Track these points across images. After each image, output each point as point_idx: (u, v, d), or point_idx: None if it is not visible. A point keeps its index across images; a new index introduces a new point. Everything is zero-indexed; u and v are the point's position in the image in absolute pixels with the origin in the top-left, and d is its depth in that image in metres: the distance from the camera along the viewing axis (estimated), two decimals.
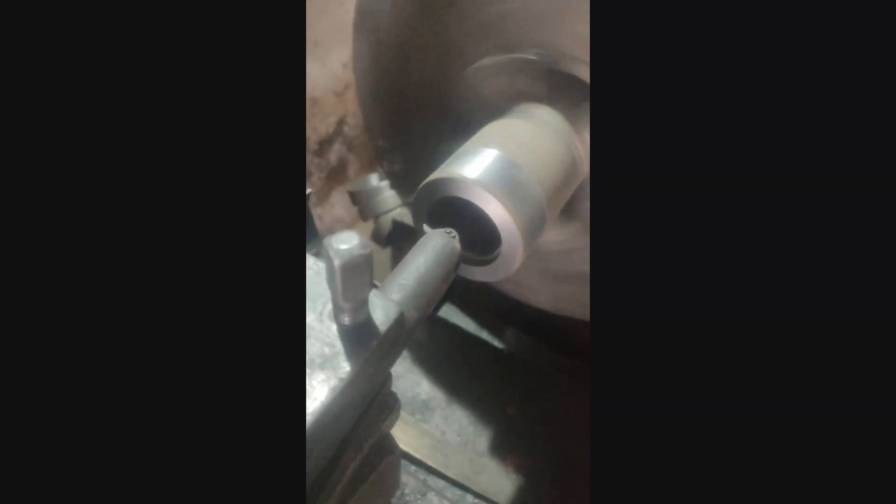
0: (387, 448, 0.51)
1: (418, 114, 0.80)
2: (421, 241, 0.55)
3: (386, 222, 1.28)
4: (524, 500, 0.86)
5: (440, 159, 0.72)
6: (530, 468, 0.89)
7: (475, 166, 0.55)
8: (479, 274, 0.58)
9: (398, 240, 1.25)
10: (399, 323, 0.41)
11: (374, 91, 0.82)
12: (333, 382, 0.36)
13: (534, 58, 0.64)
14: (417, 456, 0.89)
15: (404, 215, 1.20)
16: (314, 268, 0.42)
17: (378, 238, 1.31)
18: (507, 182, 0.55)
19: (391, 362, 0.44)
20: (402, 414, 0.96)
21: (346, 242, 0.35)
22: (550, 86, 0.63)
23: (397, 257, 1.25)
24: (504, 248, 0.55)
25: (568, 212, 0.67)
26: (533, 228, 0.56)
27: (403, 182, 1.03)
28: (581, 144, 0.64)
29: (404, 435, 0.91)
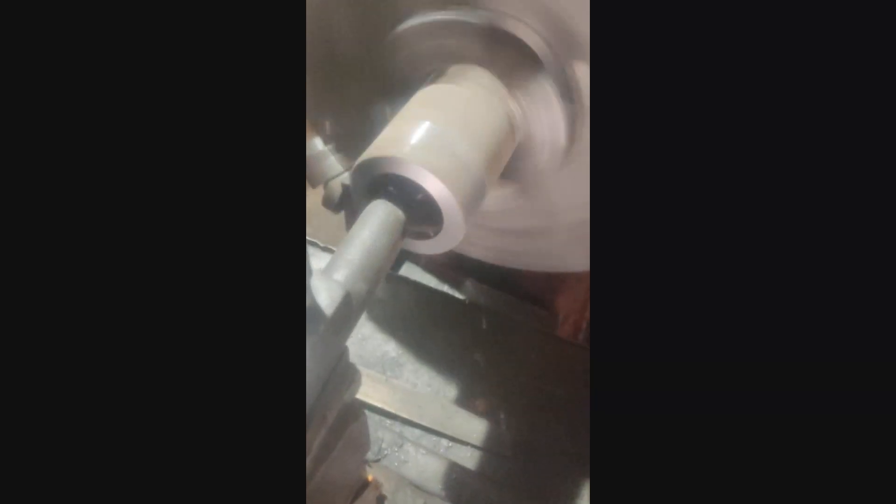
0: (351, 415, 0.53)
1: (349, 77, 0.78)
2: (364, 213, 0.55)
3: (336, 187, 1.27)
4: (493, 438, 0.91)
5: (378, 120, 0.71)
6: (497, 408, 0.94)
7: (409, 141, 0.55)
8: (423, 247, 0.59)
9: (350, 203, 1.24)
10: (345, 303, 0.42)
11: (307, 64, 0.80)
12: None
13: (468, 18, 0.63)
14: (391, 410, 0.93)
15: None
16: None
17: (329, 204, 1.30)
18: (443, 155, 0.55)
19: (344, 339, 0.46)
20: (373, 372, 0.99)
21: None
22: (485, 46, 0.62)
23: (351, 220, 1.25)
24: (446, 222, 0.56)
25: (505, 174, 0.67)
26: (473, 199, 0.57)
27: (347, 144, 1.02)
28: (517, 107, 0.64)
29: (377, 392, 0.94)
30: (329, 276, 0.48)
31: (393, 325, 1.05)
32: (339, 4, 0.71)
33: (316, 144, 1.23)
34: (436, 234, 0.58)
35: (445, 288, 1.10)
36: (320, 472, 0.51)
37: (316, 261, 0.51)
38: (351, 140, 0.94)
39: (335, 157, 1.23)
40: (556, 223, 0.80)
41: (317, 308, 0.41)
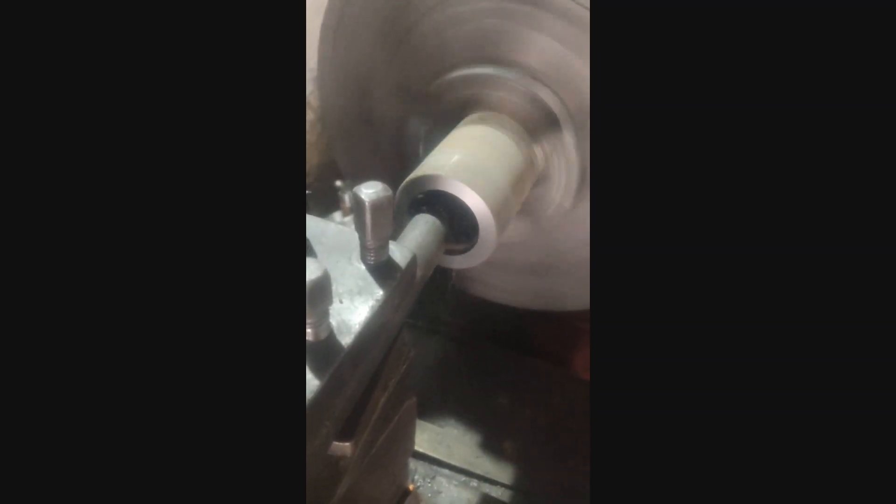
0: (406, 392, 0.58)
1: (380, 142, 0.88)
2: (409, 224, 0.64)
3: None
4: (523, 478, 0.92)
5: (414, 137, 0.82)
6: (525, 450, 0.96)
7: (449, 162, 0.65)
8: (457, 262, 0.67)
9: None
10: (413, 263, 0.50)
11: (340, 126, 0.91)
12: (371, 302, 0.45)
13: (495, 73, 0.75)
14: (421, 450, 0.94)
15: None
16: (338, 229, 0.51)
17: None
18: (479, 175, 0.65)
19: (409, 303, 0.53)
20: None
21: (373, 188, 0.45)
22: (515, 100, 0.75)
23: None
24: (481, 233, 0.64)
25: (522, 209, 0.78)
26: (503, 217, 0.66)
27: None
28: (539, 151, 0.76)
29: None
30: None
31: (417, 372, 1.08)
32: (380, 76, 0.84)
33: (335, 218, 1.34)
34: (469, 248, 0.66)
35: (463, 347, 1.15)
36: (380, 442, 0.55)
37: None
38: None
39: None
40: (563, 260, 0.90)
41: (392, 262, 0.48)
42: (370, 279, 0.47)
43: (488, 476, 0.92)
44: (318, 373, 0.39)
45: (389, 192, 0.45)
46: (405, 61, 0.80)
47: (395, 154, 0.87)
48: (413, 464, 0.88)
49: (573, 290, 0.93)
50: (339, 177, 1.22)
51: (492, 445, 0.96)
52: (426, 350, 1.11)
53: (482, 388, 1.04)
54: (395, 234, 0.64)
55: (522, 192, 0.75)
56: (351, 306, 0.44)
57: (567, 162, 0.78)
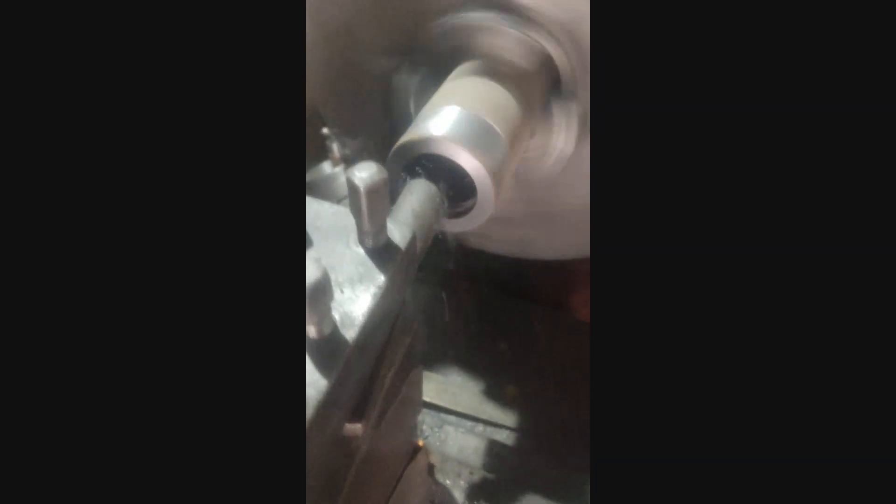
0: (412, 361, 0.58)
1: (367, 93, 0.84)
2: (405, 189, 0.61)
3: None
4: (526, 420, 0.95)
5: (403, 91, 0.78)
6: (526, 395, 0.99)
7: (442, 124, 0.61)
8: (456, 225, 0.65)
9: None
10: (413, 242, 0.49)
11: (325, 78, 0.86)
12: (373, 290, 0.44)
13: (488, 17, 0.70)
14: (427, 399, 0.97)
15: None
16: (332, 210, 0.49)
17: None
18: (474, 134, 0.61)
19: (410, 280, 0.52)
20: None
21: (366, 170, 0.42)
22: (503, 46, 0.70)
23: None
24: (479, 197, 0.62)
25: (521, 162, 0.75)
26: (502, 176, 0.63)
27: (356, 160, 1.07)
28: (535, 98, 0.72)
29: None
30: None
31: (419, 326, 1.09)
32: (364, 19, 0.78)
33: (324, 168, 1.30)
34: (468, 210, 0.64)
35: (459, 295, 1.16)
36: (389, 413, 0.56)
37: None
38: (361, 159, 1.00)
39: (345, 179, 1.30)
40: (565, 209, 0.88)
41: (391, 243, 0.47)
42: (370, 264, 0.45)
43: (493, 420, 0.95)
44: (325, 371, 0.39)
45: (385, 174, 0.43)
46: (390, 8, 0.74)
47: (384, 109, 0.83)
48: (420, 415, 0.91)
49: (576, 238, 0.92)
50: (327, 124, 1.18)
51: (495, 391, 0.99)
52: (425, 299, 1.11)
53: (483, 334, 1.06)
54: (391, 199, 0.62)
55: (521, 146, 0.72)
56: (353, 296, 0.43)
57: (567, 107, 0.75)
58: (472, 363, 1.03)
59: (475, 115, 0.64)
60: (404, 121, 0.74)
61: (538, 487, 0.82)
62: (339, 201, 1.48)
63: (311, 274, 0.36)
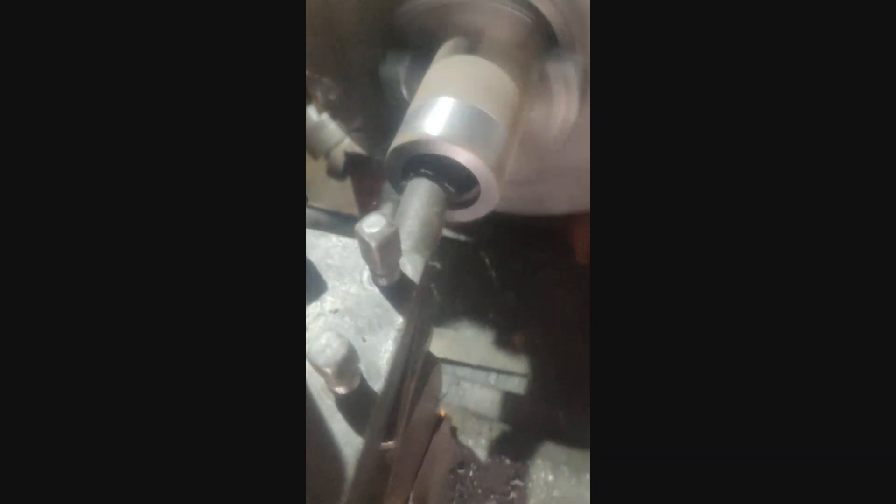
0: (430, 362, 0.61)
1: (347, 43, 0.78)
2: (408, 189, 0.60)
3: (338, 156, 1.30)
4: (536, 365, 1.01)
5: (392, 81, 0.74)
6: (534, 342, 1.04)
7: (436, 121, 0.59)
8: (461, 215, 0.64)
9: (354, 170, 1.27)
10: (426, 270, 0.49)
11: (312, 67, 0.81)
12: (394, 334, 0.45)
13: None
14: (441, 355, 1.02)
15: (353, 144, 1.21)
16: (340, 244, 0.49)
17: (334, 173, 1.32)
18: (471, 127, 0.59)
19: (425, 299, 0.53)
20: None
21: (376, 226, 0.42)
22: (492, 20, 0.66)
23: (359, 187, 1.29)
24: (482, 189, 0.61)
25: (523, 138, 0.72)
26: (503, 162, 0.62)
27: (343, 110, 1.03)
28: (533, 69, 0.68)
29: None
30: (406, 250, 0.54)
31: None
32: (344, 10, 0.72)
33: (311, 115, 1.25)
34: (473, 201, 0.63)
35: (462, 237, 1.17)
36: (415, 413, 0.60)
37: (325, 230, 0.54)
38: (347, 105, 0.96)
39: (333, 126, 1.25)
40: (568, 168, 0.87)
41: (406, 279, 0.47)
42: (387, 305, 0.46)
43: (505, 369, 1.01)
44: (358, 427, 0.41)
45: (394, 227, 0.42)
46: None
47: (377, 95, 0.78)
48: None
49: (578, 191, 0.91)
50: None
51: (505, 340, 1.04)
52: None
53: (490, 286, 1.09)
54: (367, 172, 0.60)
55: (521, 123, 0.69)
56: (375, 343, 0.45)
57: (564, 70, 0.71)
58: (481, 315, 1.06)
59: (469, 105, 0.61)
60: (399, 105, 0.70)
61: (551, 432, 0.88)
62: (328, 153, 1.44)
63: (338, 351, 0.37)
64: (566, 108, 0.74)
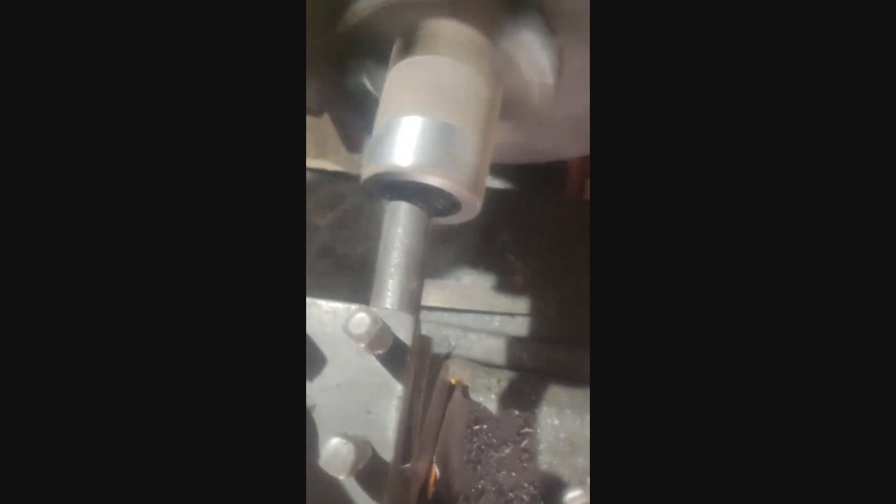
0: (436, 367, 0.65)
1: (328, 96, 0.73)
2: (388, 214, 0.60)
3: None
4: (537, 304, 1.05)
5: (359, 92, 0.70)
6: (534, 278, 1.07)
7: (404, 148, 0.57)
8: (447, 220, 0.64)
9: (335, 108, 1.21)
10: (417, 329, 0.51)
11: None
12: (395, 402, 0.48)
13: None
14: (446, 305, 1.06)
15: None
16: (332, 310, 0.51)
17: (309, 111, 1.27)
18: (442, 148, 0.57)
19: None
20: None
21: (362, 326, 0.43)
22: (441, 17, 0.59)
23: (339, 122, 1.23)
24: (461, 203, 0.60)
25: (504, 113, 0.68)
26: (479, 173, 0.60)
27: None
28: (499, 55, 0.63)
29: (428, 296, 1.07)
30: (387, 281, 0.56)
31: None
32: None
33: None
34: (457, 209, 0.63)
35: None
36: (424, 425, 0.65)
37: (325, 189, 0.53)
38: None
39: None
40: (557, 119, 0.82)
41: (399, 342, 0.49)
42: (385, 374, 0.49)
43: (509, 311, 1.05)
44: (375, 497, 0.46)
45: (380, 323, 0.44)
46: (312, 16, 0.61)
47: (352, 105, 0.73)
48: (445, 329, 1.01)
49: (572, 139, 0.88)
50: None
51: (505, 282, 1.07)
52: None
53: (485, 230, 1.10)
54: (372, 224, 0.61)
55: (494, 120, 0.65)
56: (380, 414, 0.48)
57: (535, 56, 0.65)
58: (479, 261, 1.09)
59: (435, 122, 0.58)
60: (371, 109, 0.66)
61: (554, 374, 0.95)
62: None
63: (347, 458, 0.41)
64: (539, 74, 0.69)
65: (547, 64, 0.67)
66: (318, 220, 1.16)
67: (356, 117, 0.77)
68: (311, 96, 0.83)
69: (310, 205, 1.16)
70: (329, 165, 1.36)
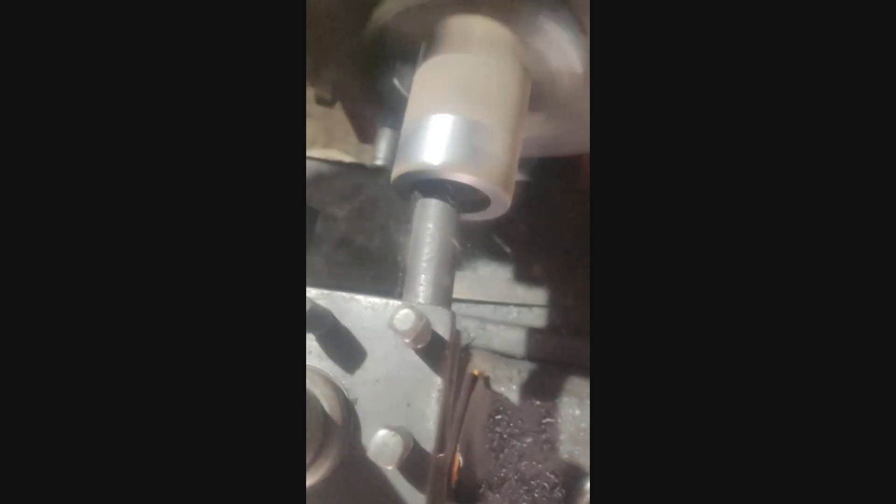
0: (463, 370, 0.67)
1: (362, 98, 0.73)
2: (418, 209, 0.61)
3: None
4: (555, 294, 1.06)
5: (388, 92, 0.70)
6: (551, 269, 1.08)
7: (434, 146, 0.57)
8: (477, 216, 0.65)
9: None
10: (454, 321, 0.52)
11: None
12: (435, 395, 0.49)
13: None
14: (463, 297, 1.07)
15: None
16: (370, 306, 0.52)
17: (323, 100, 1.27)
18: (472, 146, 0.57)
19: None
20: None
21: (408, 323, 0.44)
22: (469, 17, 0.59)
23: (351, 112, 1.23)
24: (491, 199, 0.61)
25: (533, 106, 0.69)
26: (510, 169, 0.61)
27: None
28: (527, 49, 0.63)
29: None
30: (418, 272, 0.57)
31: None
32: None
33: None
34: (486, 206, 0.63)
35: None
36: (456, 419, 0.66)
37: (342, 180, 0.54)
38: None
39: None
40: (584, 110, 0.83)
41: (437, 337, 0.50)
42: (424, 368, 0.50)
43: (526, 302, 1.06)
44: (419, 486, 0.47)
45: (424, 319, 0.44)
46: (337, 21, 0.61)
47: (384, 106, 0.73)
48: (465, 321, 1.02)
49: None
50: None
51: (522, 273, 1.08)
52: None
53: (502, 221, 1.10)
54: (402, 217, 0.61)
55: (523, 114, 0.65)
56: (420, 407, 0.49)
57: (562, 47, 0.65)
58: (497, 251, 1.10)
59: (465, 120, 0.58)
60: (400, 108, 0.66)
61: (574, 364, 0.97)
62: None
63: (395, 450, 0.42)
64: (567, 66, 0.69)
65: (575, 55, 0.67)
66: (336, 212, 1.17)
67: (370, 109, 0.77)
68: (326, 88, 0.83)
69: (327, 196, 1.16)
70: (336, 155, 1.36)
